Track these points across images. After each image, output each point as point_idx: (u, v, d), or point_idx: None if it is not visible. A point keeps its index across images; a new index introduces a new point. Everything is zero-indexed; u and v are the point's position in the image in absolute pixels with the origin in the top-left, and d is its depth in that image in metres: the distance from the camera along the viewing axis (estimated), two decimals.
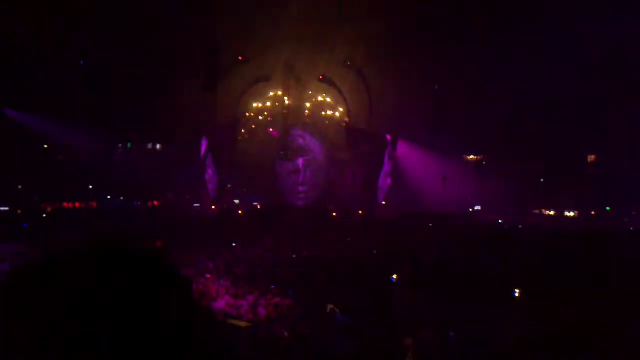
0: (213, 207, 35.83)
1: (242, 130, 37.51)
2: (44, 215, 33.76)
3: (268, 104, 37.41)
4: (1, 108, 33.78)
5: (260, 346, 11.12)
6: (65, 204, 37.95)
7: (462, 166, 38.62)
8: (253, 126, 37.68)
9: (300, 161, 35.97)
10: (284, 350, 11.26)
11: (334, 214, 34.32)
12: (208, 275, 17.97)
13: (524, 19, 30.80)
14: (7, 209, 34.08)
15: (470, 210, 40.39)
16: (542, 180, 40.64)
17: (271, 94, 36.98)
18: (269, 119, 37.46)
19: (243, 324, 12.36)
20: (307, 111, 37.01)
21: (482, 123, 34.38)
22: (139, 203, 41.34)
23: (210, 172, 35.92)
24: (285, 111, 36.98)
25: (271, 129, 37.26)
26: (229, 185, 36.93)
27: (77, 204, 38.51)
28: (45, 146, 37.93)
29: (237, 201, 37.36)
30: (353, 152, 36.34)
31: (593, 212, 39.08)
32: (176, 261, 18.07)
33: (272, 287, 16.64)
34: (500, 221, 35.75)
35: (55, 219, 32.06)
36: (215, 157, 35.65)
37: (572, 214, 41.26)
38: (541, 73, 32.38)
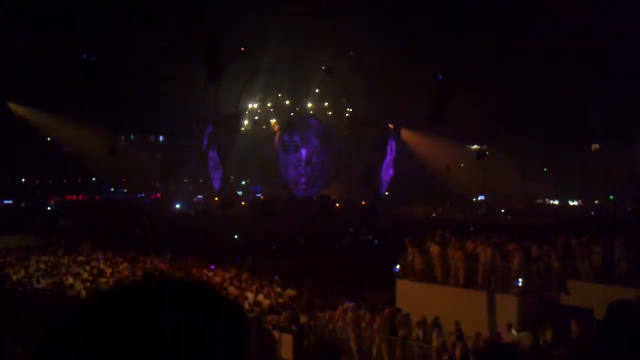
0: (216, 199, 35.79)
1: (246, 122, 37.45)
2: (48, 208, 33.79)
3: (271, 95, 37.27)
4: (3, 101, 33.76)
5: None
6: (68, 197, 38.03)
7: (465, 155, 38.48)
8: (256, 117, 37.60)
9: (303, 152, 35.90)
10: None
11: (337, 205, 34.23)
12: (212, 267, 17.91)
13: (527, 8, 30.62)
14: (11, 202, 34.15)
15: (474, 200, 40.36)
16: (545, 169, 40.56)
17: (274, 85, 36.84)
18: (272, 110, 37.37)
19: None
20: (310, 103, 36.91)
21: (486, 112, 34.20)
22: (142, 195, 41.45)
23: (213, 165, 35.83)
24: (288, 102, 36.92)
25: (274, 121, 37.16)
26: (232, 177, 36.88)
27: (80, 196, 38.60)
28: (49, 138, 37.93)
29: (240, 192, 37.35)
30: (356, 142, 36.18)
31: (597, 201, 39.00)
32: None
33: (276, 277, 16.66)
34: (502, 210, 35.72)
35: (59, 212, 32.03)
36: (218, 149, 35.52)
37: (575, 202, 41.12)
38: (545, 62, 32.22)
